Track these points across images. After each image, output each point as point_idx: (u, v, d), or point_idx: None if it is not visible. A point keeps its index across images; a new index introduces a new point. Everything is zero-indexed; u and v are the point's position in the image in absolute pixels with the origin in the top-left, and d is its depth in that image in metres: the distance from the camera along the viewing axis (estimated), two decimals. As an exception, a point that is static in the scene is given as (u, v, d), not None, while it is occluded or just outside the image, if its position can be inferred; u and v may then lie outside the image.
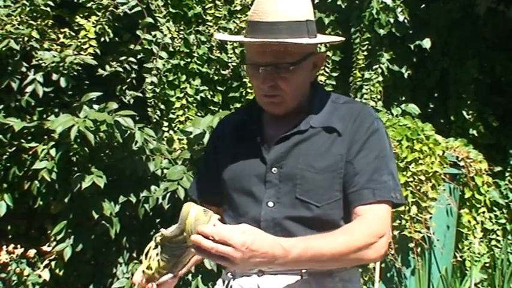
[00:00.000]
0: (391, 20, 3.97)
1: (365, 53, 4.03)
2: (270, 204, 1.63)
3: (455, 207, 3.71)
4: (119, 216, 3.42)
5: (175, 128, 3.79)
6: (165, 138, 3.74)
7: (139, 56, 3.72)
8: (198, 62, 3.90)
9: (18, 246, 3.83)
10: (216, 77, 3.99)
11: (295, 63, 1.61)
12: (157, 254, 1.54)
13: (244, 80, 3.95)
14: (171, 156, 3.53)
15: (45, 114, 3.52)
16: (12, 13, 3.42)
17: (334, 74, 4.14)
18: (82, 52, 3.50)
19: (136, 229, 3.55)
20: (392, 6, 3.98)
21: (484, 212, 3.91)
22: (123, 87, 3.70)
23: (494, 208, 4.07)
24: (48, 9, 3.49)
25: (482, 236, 3.95)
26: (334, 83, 4.13)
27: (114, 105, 3.35)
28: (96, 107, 3.40)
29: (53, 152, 3.29)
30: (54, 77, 3.39)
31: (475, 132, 4.31)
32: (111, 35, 3.61)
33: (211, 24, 3.96)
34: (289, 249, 1.41)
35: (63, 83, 3.40)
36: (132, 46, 3.68)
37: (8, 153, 3.45)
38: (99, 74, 3.57)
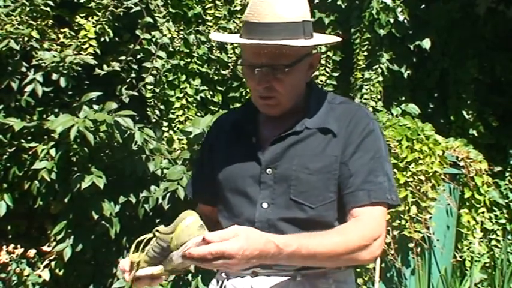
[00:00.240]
0: (391, 20, 3.97)
1: (365, 53, 4.03)
2: (265, 205, 1.63)
3: (455, 207, 3.71)
4: (119, 217, 3.42)
5: (175, 128, 3.79)
6: (165, 138, 3.74)
7: (138, 56, 3.72)
8: (198, 62, 3.90)
9: (18, 246, 3.84)
10: (216, 77, 3.99)
11: (290, 65, 1.61)
12: (144, 248, 1.55)
13: (244, 80, 3.95)
14: (171, 156, 3.52)
15: (45, 114, 3.52)
16: (12, 13, 3.42)
17: (335, 74, 4.13)
18: (82, 52, 3.50)
19: (136, 229, 3.54)
20: (392, 6, 3.98)
21: (483, 212, 3.91)
22: (123, 87, 3.70)
23: (494, 208, 4.07)
24: (48, 9, 3.49)
25: (482, 236, 3.95)
26: (334, 83, 4.13)
27: (113, 105, 3.35)
28: (96, 107, 3.40)
29: (52, 152, 3.29)
30: (54, 76, 3.39)
31: (475, 132, 4.31)
32: (111, 35, 3.61)
33: (211, 24, 3.96)
34: (283, 246, 1.42)
35: (63, 83, 3.40)
36: (131, 46, 3.68)
37: (8, 153, 3.45)
38: (99, 74, 3.56)
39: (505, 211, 4.10)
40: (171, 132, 3.79)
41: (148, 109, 3.74)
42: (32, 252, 3.83)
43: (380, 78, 4.02)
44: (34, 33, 3.41)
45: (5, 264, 3.77)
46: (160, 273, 1.53)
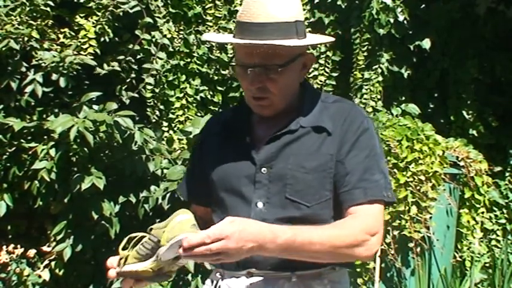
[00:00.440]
0: (391, 20, 3.97)
1: (365, 53, 4.03)
2: (260, 205, 1.63)
3: (455, 207, 3.71)
4: (119, 217, 3.42)
5: (175, 128, 3.79)
6: (165, 138, 3.74)
7: (138, 56, 3.72)
8: (198, 62, 3.90)
9: (18, 246, 3.84)
10: (216, 77, 3.99)
11: (283, 65, 1.60)
12: (135, 245, 1.56)
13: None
14: (171, 156, 3.52)
15: (45, 114, 3.52)
16: (12, 13, 3.42)
17: (334, 74, 4.13)
18: (82, 52, 3.50)
19: (136, 229, 3.51)
20: (392, 6, 3.98)
21: (483, 212, 3.91)
22: (123, 88, 3.70)
23: (494, 208, 4.07)
24: (48, 9, 3.49)
25: (482, 236, 3.95)
26: (334, 83, 4.13)
27: (113, 106, 3.35)
28: (95, 107, 3.40)
29: (52, 152, 3.29)
30: (54, 77, 3.39)
31: (475, 132, 4.31)
32: (111, 35, 3.61)
33: (211, 24, 3.96)
34: (277, 233, 1.43)
35: (62, 83, 3.40)
36: (131, 46, 3.68)
37: (8, 153, 3.45)
38: (98, 74, 3.56)
39: (505, 211, 4.10)
40: (171, 132, 3.79)
41: (148, 109, 3.74)
42: (32, 252, 3.83)
43: (380, 78, 4.02)
44: (34, 33, 3.41)
45: (5, 264, 3.77)
46: (145, 270, 1.52)
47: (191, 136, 3.43)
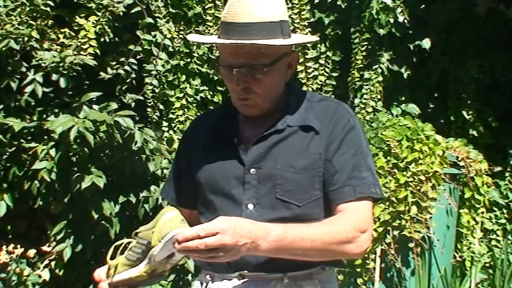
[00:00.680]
0: (391, 20, 3.97)
1: (364, 53, 4.03)
2: (250, 206, 1.62)
3: (455, 207, 3.71)
4: (119, 216, 3.42)
5: (175, 128, 3.79)
6: (165, 138, 3.74)
7: (138, 57, 3.72)
8: (198, 62, 3.91)
9: (18, 246, 3.83)
10: (215, 77, 3.99)
11: (269, 65, 1.60)
12: (122, 252, 1.53)
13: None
14: (171, 156, 3.52)
15: (45, 115, 3.52)
16: (12, 13, 3.42)
17: (334, 74, 4.14)
18: (82, 52, 3.50)
19: (136, 229, 3.54)
20: (392, 6, 3.98)
21: (483, 212, 3.91)
22: (123, 88, 3.70)
23: (494, 208, 4.07)
24: (48, 9, 3.49)
25: (482, 236, 3.95)
26: (333, 83, 4.13)
27: (113, 106, 3.35)
28: (96, 107, 3.40)
29: (52, 152, 3.29)
30: (54, 77, 3.39)
31: (475, 132, 4.31)
32: (111, 35, 3.61)
33: (211, 24, 3.96)
34: (268, 230, 1.44)
35: (62, 83, 3.40)
36: (131, 46, 3.68)
37: (8, 153, 3.45)
38: (99, 74, 3.57)
39: (505, 211, 4.10)
40: (171, 132, 3.79)
41: (148, 109, 3.74)
42: (32, 252, 3.83)
43: (380, 78, 4.02)
44: (34, 33, 3.41)
45: (5, 264, 3.77)
46: (139, 275, 1.50)
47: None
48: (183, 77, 3.86)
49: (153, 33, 3.70)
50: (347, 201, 1.59)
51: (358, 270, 3.48)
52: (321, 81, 4.11)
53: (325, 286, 1.65)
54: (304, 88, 4.10)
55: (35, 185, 3.36)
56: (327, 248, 1.51)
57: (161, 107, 3.78)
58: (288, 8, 4.10)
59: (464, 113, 4.30)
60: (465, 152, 3.77)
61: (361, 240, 1.56)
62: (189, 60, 3.89)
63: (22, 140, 3.44)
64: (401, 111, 4.11)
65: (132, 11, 3.64)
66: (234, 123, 1.72)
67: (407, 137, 3.50)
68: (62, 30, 3.60)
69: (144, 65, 3.72)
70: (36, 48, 3.44)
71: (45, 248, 3.76)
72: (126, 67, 3.64)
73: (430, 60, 4.36)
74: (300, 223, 1.54)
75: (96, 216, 3.30)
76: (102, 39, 3.58)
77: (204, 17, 3.96)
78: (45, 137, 3.39)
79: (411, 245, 3.45)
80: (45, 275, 3.62)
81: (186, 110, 3.84)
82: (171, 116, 3.81)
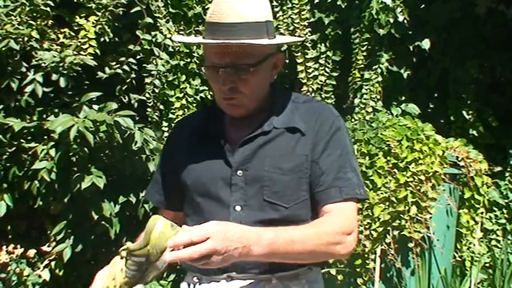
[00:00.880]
0: (391, 20, 3.97)
1: (364, 53, 4.02)
2: (238, 208, 1.63)
3: (455, 207, 3.70)
4: (119, 217, 3.42)
5: (175, 128, 3.78)
6: (165, 138, 3.73)
7: (138, 57, 3.72)
8: (198, 62, 3.90)
9: (18, 246, 3.83)
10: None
11: (255, 64, 1.61)
12: (121, 269, 1.52)
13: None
14: (171, 156, 3.52)
15: (45, 115, 3.51)
16: (12, 13, 3.42)
17: (334, 74, 4.14)
18: (82, 52, 3.50)
19: (137, 229, 3.54)
20: (392, 6, 3.98)
21: (483, 213, 3.91)
22: (123, 88, 3.70)
23: (494, 208, 4.07)
24: (48, 9, 3.48)
25: (482, 236, 3.95)
26: (334, 83, 4.13)
27: (113, 106, 3.35)
28: (95, 107, 3.40)
29: (52, 152, 3.29)
30: (54, 77, 3.39)
31: (475, 132, 4.31)
32: (111, 35, 3.61)
33: (211, 24, 3.96)
34: (260, 234, 1.43)
35: (62, 83, 3.40)
36: (131, 46, 3.68)
37: (8, 153, 3.45)
38: (101, 77, 3.57)
39: (505, 211, 4.10)
40: (171, 132, 3.79)
41: (148, 109, 3.74)
42: (32, 252, 3.83)
43: (380, 78, 4.02)
44: (34, 33, 3.41)
45: (5, 264, 3.77)
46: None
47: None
48: (183, 77, 3.86)
49: (153, 33, 3.70)
50: (333, 202, 1.61)
51: (358, 270, 3.48)
52: (321, 81, 4.10)
53: (312, 286, 1.67)
54: (304, 88, 4.10)
55: (35, 185, 3.35)
56: (316, 250, 1.53)
57: (161, 107, 3.78)
58: (288, 8, 4.10)
59: (464, 113, 4.29)
60: (465, 152, 3.77)
61: (348, 241, 1.58)
62: (189, 60, 3.89)
63: (22, 140, 3.44)
64: (401, 111, 4.11)
65: (132, 11, 3.64)
66: (220, 125, 1.72)
67: (407, 137, 3.50)
68: (62, 30, 3.59)
69: (144, 65, 3.72)
70: (36, 48, 3.43)
71: (45, 248, 3.77)
72: (125, 66, 3.63)
73: (430, 60, 4.36)
74: (288, 225, 1.55)
75: (96, 216, 3.30)
76: (102, 39, 3.57)
77: (204, 17, 3.96)
78: (45, 137, 3.39)
79: (411, 245, 3.45)
80: (45, 275, 3.63)
81: (186, 110, 3.83)
82: (171, 116, 3.81)
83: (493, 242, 4.00)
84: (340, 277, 3.51)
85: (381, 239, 3.44)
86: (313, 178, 1.63)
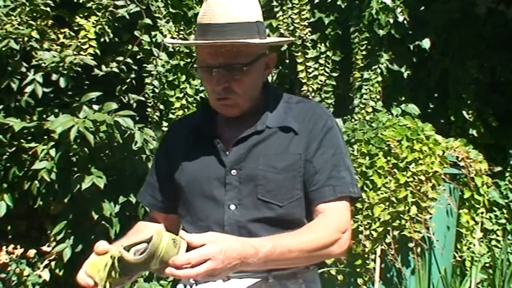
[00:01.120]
0: (391, 20, 3.97)
1: (364, 53, 4.02)
2: (232, 207, 1.64)
3: (455, 207, 3.70)
4: (119, 217, 3.42)
5: (175, 128, 3.78)
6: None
7: (138, 57, 3.72)
8: (198, 62, 3.90)
9: (18, 246, 3.84)
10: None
11: (248, 64, 1.62)
12: (110, 267, 1.54)
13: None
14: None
15: (45, 115, 3.52)
16: (12, 13, 3.42)
17: (334, 74, 4.13)
18: (82, 52, 3.50)
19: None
20: (392, 6, 3.98)
21: (483, 213, 3.91)
22: (123, 88, 3.70)
23: (494, 208, 4.07)
24: (48, 9, 3.48)
25: (482, 236, 3.95)
26: (333, 83, 4.13)
27: (113, 106, 3.35)
28: (96, 107, 3.40)
29: (52, 152, 3.29)
30: (54, 77, 3.39)
31: (475, 132, 4.31)
32: (111, 35, 3.61)
33: (211, 24, 3.95)
34: (258, 247, 1.44)
35: (62, 83, 3.40)
36: (130, 47, 3.68)
37: (8, 153, 3.45)
38: (97, 74, 3.56)
39: (505, 211, 4.10)
40: (171, 132, 3.78)
41: (148, 109, 3.74)
42: (32, 252, 3.83)
43: (379, 78, 4.01)
44: (34, 33, 3.41)
45: (5, 265, 3.77)
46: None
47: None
48: (183, 77, 3.86)
49: (153, 33, 3.70)
50: (327, 201, 1.62)
51: (358, 270, 3.48)
52: (321, 81, 4.10)
53: (309, 285, 1.68)
54: (304, 88, 4.10)
55: (35, 185, 3.36)
56: (313, 254, 1.55)
57: (161, 107, 3.78)
58: (288, 8, 4.10)
59: (464, 113, 4.29)
60: (465, 152, 3.77)
61: (342, 240, 1.60)
62: (189, 60, 3.89)
63: (22, 140, 3.45)
64: (401, 111, 4.10)
65: (131, 11, 3.64)
66: (214, 125, 1.74)
67: (407, 137, 3.50)
68: (62, 30, 3.59)
69: (144, 65, 3.72)
70: (36, 48, 3.43)
71: (45, 248, 3.77)
72: (123, 66, 3.63)
73: (430, 60, 4.36)
74: (282, 223, 1.57)
75: (96, 216, 3.30)
76: (102, 39, 3.57)
77: (204, 17, 3.95)
78: (45, 137, 3.39)
79: (411, 245, 3.45)
80: (45, 275, 3.63)
81: (186, 110, 3.83)
82: (171, 116, 3.80)
83: (493, 242, 4.00)
84: (340, 277, 3.51)
85: (381, 239, 3.44)
86: (307, 177, 1.64)
